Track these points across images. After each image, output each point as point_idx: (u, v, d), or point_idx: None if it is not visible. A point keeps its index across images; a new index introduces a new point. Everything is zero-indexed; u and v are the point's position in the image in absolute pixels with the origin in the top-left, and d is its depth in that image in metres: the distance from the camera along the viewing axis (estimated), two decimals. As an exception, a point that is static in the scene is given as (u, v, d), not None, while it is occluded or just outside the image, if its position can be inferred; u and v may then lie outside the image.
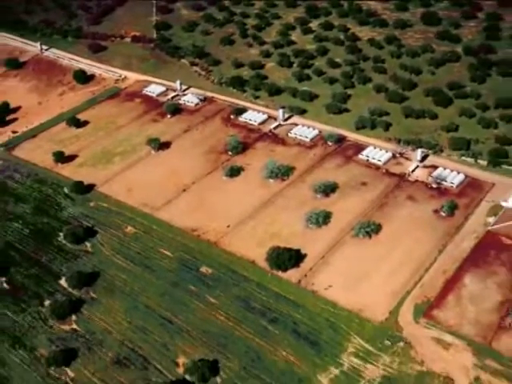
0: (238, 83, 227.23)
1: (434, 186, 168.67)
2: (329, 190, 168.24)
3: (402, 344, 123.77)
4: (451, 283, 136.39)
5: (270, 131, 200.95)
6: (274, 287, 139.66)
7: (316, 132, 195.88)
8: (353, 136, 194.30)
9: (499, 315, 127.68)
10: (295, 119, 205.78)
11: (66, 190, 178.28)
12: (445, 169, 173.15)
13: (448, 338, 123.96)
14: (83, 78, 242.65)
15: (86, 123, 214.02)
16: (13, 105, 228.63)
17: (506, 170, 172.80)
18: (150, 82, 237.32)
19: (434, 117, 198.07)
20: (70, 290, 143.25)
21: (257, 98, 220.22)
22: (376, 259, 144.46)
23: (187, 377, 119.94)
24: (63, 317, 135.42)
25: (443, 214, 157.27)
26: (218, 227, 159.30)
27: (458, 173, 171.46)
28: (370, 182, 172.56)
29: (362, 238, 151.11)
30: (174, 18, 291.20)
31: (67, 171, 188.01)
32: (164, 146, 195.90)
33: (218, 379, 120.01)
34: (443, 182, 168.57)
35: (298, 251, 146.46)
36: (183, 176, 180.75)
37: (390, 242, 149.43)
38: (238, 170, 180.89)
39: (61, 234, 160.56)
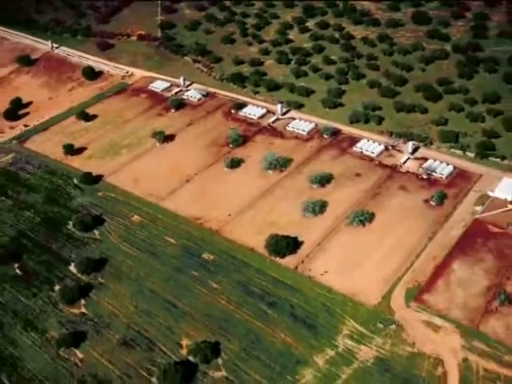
0: (239, 79, 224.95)
1: (425, 176, 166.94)
2: (324, 180, 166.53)
3: (394, 327, 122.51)
4: (441, 269, 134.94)
5: (269, 125, 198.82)
6: (272, 273, 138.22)
7: (312, 125, 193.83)
8: (347, 129, 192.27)
9: (486, 299, 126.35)
10: (293, 113, 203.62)
11: (75, 181, 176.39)
12: (435, 160, 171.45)
13: (438, 321, 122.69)
14: (92, 74, 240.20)
15: (94, 117, 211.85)
16: (25, 100, 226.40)
17: (493, 161, 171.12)
18: (155, 78, 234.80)
19: (425, 111, 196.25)
20: (79, 275, 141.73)
21: (256, 93, 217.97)
22: (369, 246, 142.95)
23: (190, 358, 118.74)
24: (72, 301, 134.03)
25: (433, 204, 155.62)
26: (220, 216, 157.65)
27: (447, 164, 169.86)
28: (363, 173, 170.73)
29: (356, 226, 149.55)
30: (177, 18, 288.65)
31: (76, 163, 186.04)
32: (168, 138, 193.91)
33: (220, 360, 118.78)
34: (433, 173, 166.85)
35: (295, 239, 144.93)
36: (186, 167, 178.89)
37: (382, 230, 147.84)
38: (238, 161, 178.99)
39: (70, 222, 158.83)
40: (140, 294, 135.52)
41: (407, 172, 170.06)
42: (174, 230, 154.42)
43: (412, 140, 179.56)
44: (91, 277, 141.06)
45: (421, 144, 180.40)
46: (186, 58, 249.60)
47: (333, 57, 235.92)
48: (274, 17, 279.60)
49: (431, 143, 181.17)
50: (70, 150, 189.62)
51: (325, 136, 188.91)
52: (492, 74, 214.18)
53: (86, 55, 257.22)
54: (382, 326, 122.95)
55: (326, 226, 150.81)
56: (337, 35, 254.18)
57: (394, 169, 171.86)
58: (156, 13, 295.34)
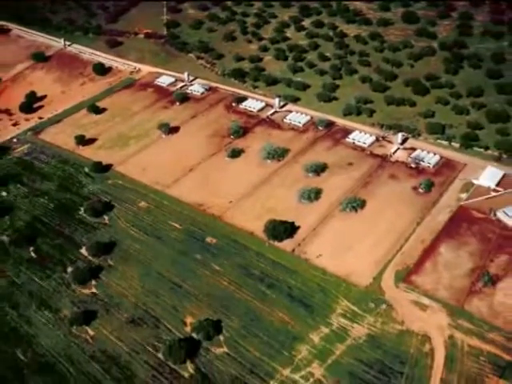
0: (239, 75, 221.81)
1: (413, 165, 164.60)
2: (319, 169, 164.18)
3: (384, 306, 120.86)
4: (428, 252, 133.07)
5: (268, 117, 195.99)
6: (270, 256, 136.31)
7: (308, 118, 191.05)
8: (341, 121, 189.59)
9: (471, 280, 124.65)
10: (290, 106, 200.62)
11: (86, 170, 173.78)
12: (422, 151, 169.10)
13: (425, 300, 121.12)
14: (102, 70, 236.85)
15: (104, 110, 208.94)
16: (39, 94, 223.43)
17: (477, 151, 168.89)
18: (161, 74, 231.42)
19: (413, 104, 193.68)
20: (90, 258, 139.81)
21: (256, 87, 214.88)
22: (361, 231, 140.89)
23: (194, 335, 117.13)
24: (84, 282, 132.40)
25: (421, 191, 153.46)
26: (222, 202, 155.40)
27: (434, 154, 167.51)
28: (355, 162, 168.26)
29: (349, 212, 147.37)
30: (182, 17, 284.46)
31: (87, 153, 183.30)
32: (173, 130, 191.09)
33: (221, 337, 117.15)
34: (421, 163, 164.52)
35: (292, 224, 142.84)
36: (190, 157, 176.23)
37: (373, 216, 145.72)
38: (239, 151, 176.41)
39: (82, 208, 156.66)
40: (147, 276, 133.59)
41: (397, 161, 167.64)
42: (179, 215, 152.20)
43: (401, 131, 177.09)
44: (101, 259, 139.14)
45: (409, 135, 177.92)
46: (190, 54, 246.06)
47: (327, 54, 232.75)
48: (272, 16, 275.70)
49: (419, 134, 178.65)
50: (82, 140, 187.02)
51: (319, 128, 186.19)
52: (476, 70, 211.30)
53: (96, 52, 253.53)
54: (373, 305, 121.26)
55: (321, 212, 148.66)
56: (331, 33, 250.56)
57: (384, 158, 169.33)
58: (162, 12, 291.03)
